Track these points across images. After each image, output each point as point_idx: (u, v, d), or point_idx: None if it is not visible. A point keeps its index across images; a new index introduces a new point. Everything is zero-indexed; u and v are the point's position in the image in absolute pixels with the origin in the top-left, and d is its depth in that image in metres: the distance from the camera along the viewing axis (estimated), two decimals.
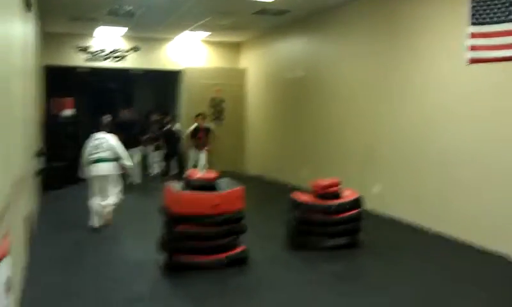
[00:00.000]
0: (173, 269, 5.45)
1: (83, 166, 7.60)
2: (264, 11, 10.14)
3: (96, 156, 7.46)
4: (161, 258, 5.62)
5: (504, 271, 5.59)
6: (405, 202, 7.85)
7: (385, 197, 8.27)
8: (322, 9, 9.97)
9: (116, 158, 7.57)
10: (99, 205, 7.50)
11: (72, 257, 6.17)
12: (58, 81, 13.27)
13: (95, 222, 7.46)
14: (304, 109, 11.09)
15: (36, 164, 7.53)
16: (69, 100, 12.34)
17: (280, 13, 10.35)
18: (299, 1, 9.32)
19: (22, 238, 5.31)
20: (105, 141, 7.60)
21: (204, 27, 12.04)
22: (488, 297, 4.81)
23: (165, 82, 15.98)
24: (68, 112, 11.95)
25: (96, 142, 7.58)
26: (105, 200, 7.55)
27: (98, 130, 7.88)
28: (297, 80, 11.40)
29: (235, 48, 14.56)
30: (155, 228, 5.93)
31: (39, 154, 7.81)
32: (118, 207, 7.81)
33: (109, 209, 7.59)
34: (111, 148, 7.54)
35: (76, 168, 8.73)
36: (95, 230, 7.37)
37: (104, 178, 7.50)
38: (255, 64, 13.80)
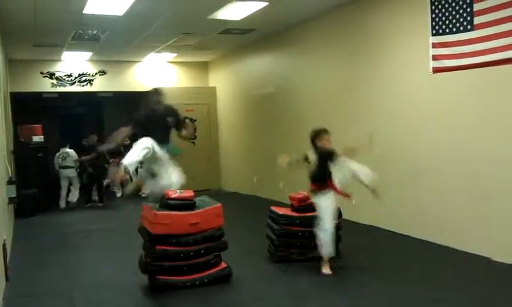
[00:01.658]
0: (155, 290, 5.41)
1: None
2: (229, 30, 10.26)
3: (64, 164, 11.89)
4: (143, 279, 5.58)
5: (486, 272, 5.72)
6: (381, 210, 7.98)
7: (361, 207, 8.40)
8: (287, 26, 10.15)
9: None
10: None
11: (51, 283, 6.06)
12: (25, 108, 13.11)
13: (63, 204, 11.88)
14: (275, 124, 11.22)
15: (8, 192, 7.43)
16: (37, 127, 12.16)
17: (246, 31, 10.48)
18: (264, 20, 9.47)
19: (0, 265, 5.22)
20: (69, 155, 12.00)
21: (170, 49, 12.10)
22: (472, 298, 4.92)
23: (135, 104, 15.89)
24: (37, 138, 11.77)
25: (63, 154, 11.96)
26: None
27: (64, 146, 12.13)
28: (267, 96, 11.53)
29: (203, 67, 14.65)
30: (137, 249, 5.89)
31: (10, 182, 7.69)
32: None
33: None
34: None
35: (47, 195, 9.45)
36: (63, 210, 11.63)
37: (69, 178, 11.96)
38: (224, 82, 13.91)
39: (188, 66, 14.41)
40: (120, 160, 12.74)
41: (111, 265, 6.77)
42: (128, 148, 12.58)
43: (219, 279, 5.59)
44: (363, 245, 7.09)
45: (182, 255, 5.45)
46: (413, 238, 7.20)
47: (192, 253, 5.48)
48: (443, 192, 6.78)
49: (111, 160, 12.84)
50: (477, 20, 6.07)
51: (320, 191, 5.83)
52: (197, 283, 5.46)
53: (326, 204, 5.78)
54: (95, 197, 12.17)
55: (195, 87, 14.32)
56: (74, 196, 12.13)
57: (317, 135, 5.95)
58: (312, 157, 5.92)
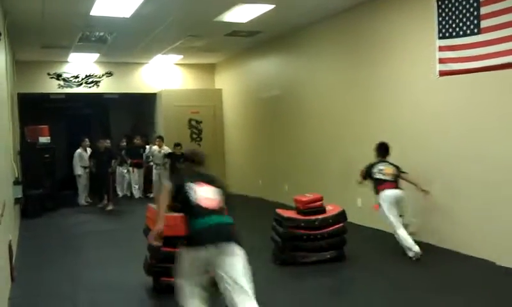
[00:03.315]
0: (159, 292, 5.42)
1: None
2: (235, 32, 10.27)
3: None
4: (147, 280, 5.59)
5: (491, 276, 5.70)
6: None
7: (366, 211, 8.38)
8: (293, 28, 10.15)
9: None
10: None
11: (55, 283, 6.08)
12: (32, 109, 13.17)
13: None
14: (281, 127, 11.21)
15: (14, 192, 7.47)
16: (44, 128, 12.21)
17: (252, 34, 10.49)
18: (271, 23, 9.48)
19: (5, 267, 5.23)
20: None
21: (176, 51, 12.12)
22: (477, 301, 4.92)
23: (141, 106, 15.96)
24: (43, 139, 11.81)
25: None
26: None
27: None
28: (273, 98, 11.53)
29: (209, 69, 14.67)
30: (142, 250, 5.90)
31: (16, 182, 7.73)
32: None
33: None
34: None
35: (53, 196, 9.52)
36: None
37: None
38: (230, 84, 13.92)
39: (194, 68, 14.44)
40: (139, 161, 12.93)
41: (116, 266, 6.78)
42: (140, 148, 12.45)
43: None
44: (367, 248, 7.07)
45: None
46: (418, 241, 7.16)
47: None
48: (448, 196, 6.75)
49: (128, 161, 12.98)
50: (484, 23, 6.05)
51: None
52: None
53: None
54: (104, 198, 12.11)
55: (201, 89, 14.34)
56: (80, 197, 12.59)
57: None
58: None
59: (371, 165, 6.78)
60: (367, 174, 6.80)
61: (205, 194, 3.90)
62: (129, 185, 13.63)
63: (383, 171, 6.66)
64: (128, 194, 13.62)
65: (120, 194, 13.58)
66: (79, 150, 12.61)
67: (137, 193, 13.45)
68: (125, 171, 13.48)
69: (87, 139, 12.66)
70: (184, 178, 4.04)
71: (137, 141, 13.66)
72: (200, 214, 3.82)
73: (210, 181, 4.05)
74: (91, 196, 12.59)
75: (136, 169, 13.35)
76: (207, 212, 3.83)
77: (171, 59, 13.45)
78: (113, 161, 11.97)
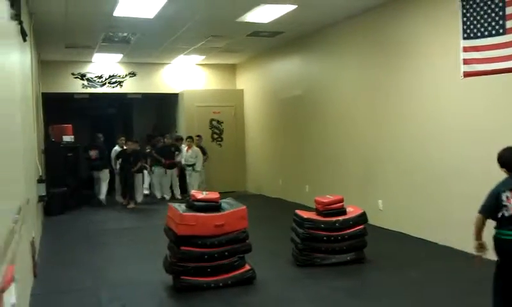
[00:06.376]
0: (179, 290, 5.45)
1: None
2: (257, 33, 10.28)
3: None
4: (167, 279, 5.63)
5: None
6: (407, 216, 7.89)
7: (387, 213, 8.32)
8: (315, 29, 10.11)
9: None
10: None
11: (77, 279, 6.17)
12: (56, 108, 13.36)
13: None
14: (302, 127, 11.18)
15: (38, 190, 7.59)
16: (68, 127, 12.39)
17: (274, 34, 10.49)
18: (293, 23, 9.46)
19: (28, 263, 5.32)
20: None
21: (199, 51, 12.19)
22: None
23: (163, 106, 16.09)
24: (67, 138, 11.98)
25: None
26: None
27: None
28: (294, 99, 11.50)
29: (230, 70, 14.72)
30: (162, 249, 5.95)
31: (40, 180, 7.85)
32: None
33: None
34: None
35: (76, 194, 9.76)
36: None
37: None
38: (252, 85, 13.94)
39: (216, 68, 14.50)
40: (171, 161, 12.67)
41: (137, 264, 6.84)
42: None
43: (243, 281, 5.60)
44: (388, 251, 7.00)
45: (206, 256, 5.48)
46: (439, 245, 7.07)
47: (216, 255, 5.51)
48: (470, 198, 6.62)
49: (163, 161, 12.66)
50: (509, 24, 5.95)
51: None
52: (221, 284, 5.49)
53: None
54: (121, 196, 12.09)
55: (223, 90, 14.40)
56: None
57: None
58: None
59: None
60: None
61: None
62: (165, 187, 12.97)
63: None
64: (165, 196, 12.82)
65: (158, 195, 12.82)
66: (115, 147, 12.52)
67: (168, 195, 12.81)
68: (163, 171, 12.75)
69: (123, 137, 12.40)
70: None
71: (168, 140, 12.99)
72: None
73: None
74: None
75: (168, 170, 12.72)
76: None
77: (193, 60, 13.53)
78: (139, 163, 11.80)
